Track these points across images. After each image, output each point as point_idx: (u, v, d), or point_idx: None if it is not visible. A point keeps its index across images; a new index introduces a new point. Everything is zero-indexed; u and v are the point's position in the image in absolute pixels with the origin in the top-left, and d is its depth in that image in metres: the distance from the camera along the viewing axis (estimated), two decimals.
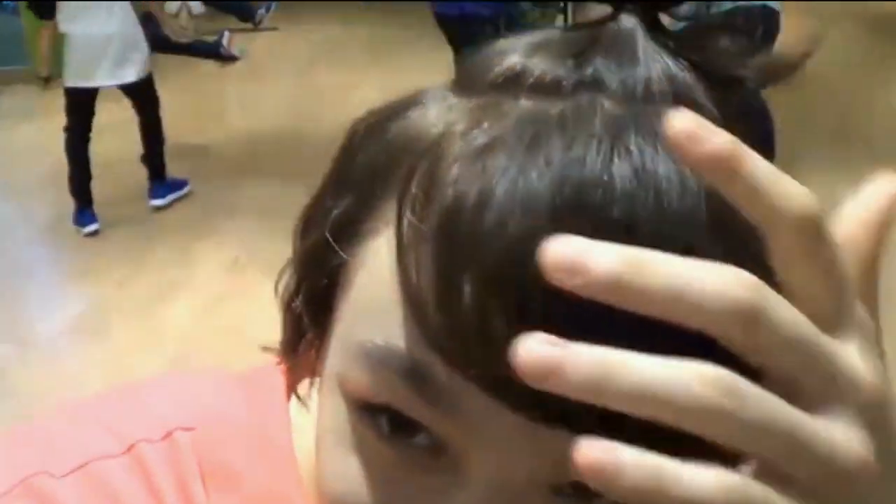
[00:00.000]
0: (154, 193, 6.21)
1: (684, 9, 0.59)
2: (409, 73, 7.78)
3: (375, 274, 0.53)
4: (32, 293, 5.29)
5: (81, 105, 6.09)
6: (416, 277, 0.49)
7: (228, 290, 5.03)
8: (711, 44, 0.59)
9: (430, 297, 0.48)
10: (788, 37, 5.02)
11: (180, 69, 8.59)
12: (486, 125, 0.51)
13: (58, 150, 6.91)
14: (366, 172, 0.57)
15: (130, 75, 6.18)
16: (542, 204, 0.47)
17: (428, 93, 0.59)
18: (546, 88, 0.54)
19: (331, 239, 0.57)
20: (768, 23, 4.82)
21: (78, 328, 4.83)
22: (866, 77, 7.69)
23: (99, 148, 6.85)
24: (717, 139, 0.38)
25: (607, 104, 0.52)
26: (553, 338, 0.36)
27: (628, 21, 0.57)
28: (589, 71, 0.55)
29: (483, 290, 0.47)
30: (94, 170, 6.38)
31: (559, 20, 6.14)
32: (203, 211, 5.87)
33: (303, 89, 7.68)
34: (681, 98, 0.54)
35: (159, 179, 6.26)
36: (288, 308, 0.63)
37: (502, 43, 0.58)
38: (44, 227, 5.90)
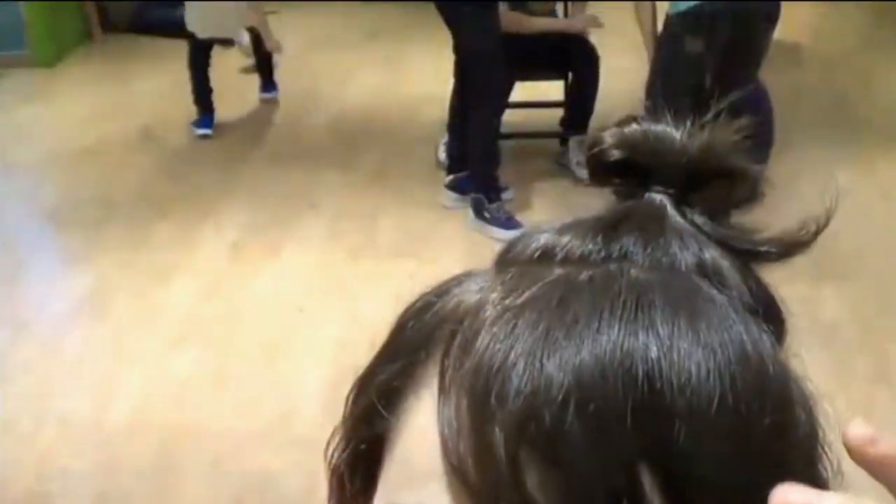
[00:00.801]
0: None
1: None
2: (408, 58, 7.83)
3: (418, 435, 0.56)
4: (32, 275, 5.31)
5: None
6: (454, 432, 0.52)
7: (228, 273, 5.05)
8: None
9: (467, 450, 0.51)
10: (789, 24, 5.04)
11: (177, 53, 8.58)
12: (518, 290, 0.55)
13: (58, 133, 6.93)
14: (413, 341, 0.59)
15: None
16: (566, 374, 0.51)
17: (470, 272, 0.62)
18: (576, 261, 0.59)
19: (378, 403, 0.60)
20: (769, 9, 4.83)
21: (78, 309, 4.84)
22: (865, 57, 7.68)
23: (99, 131, 6.87)
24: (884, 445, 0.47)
25: (634, 271, 0.56)
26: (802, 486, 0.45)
27: (656, 198, 0.62)
28: (617, 247, 0.59)
29: (512, 442, 0.50)
30: (90, 154, 6.40)
31: (558, 6, 6.14)
32: (203, 193, 5.88)
33: (302, 73, 7.67)
34: (707, 275, 0.59)
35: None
36: (334, 470, 0.66)
37: (536, 226, 0.64)
38: (44, 209, 5.90)
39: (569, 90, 5.99)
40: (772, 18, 4.77)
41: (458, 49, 5.43)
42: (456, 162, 5.56)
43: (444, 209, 5.47)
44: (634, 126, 0.64)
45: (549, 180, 5.85)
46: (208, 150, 6.52)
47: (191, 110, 6.70)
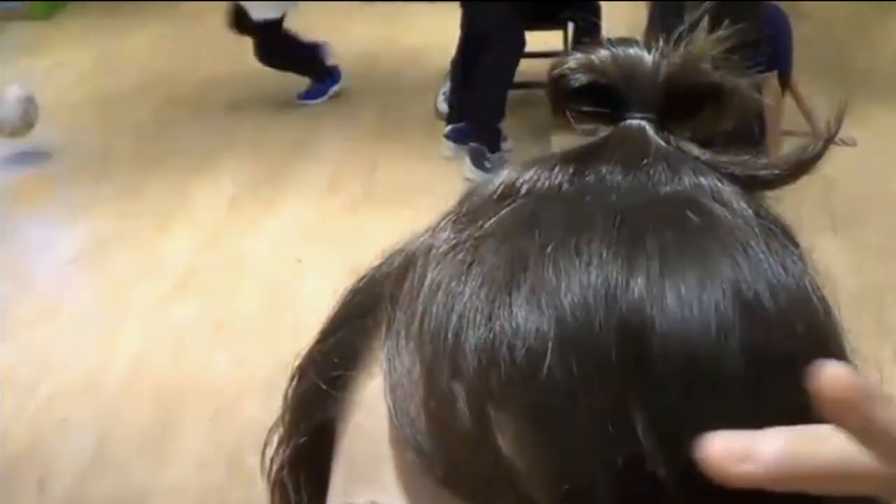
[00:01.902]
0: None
1: None
2: (407, 9, 7.77)
3: (366, 414, 0.49)
4: (31, 227, 5.30)
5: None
6: (405, 396, 0.44)
7: (227, 224, 5.04)
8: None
9: (420, 415, 0.44)
10: None
11: (172, 5, 8.53)
12: (476, 223, 0.48)
13: (58, 85, 6.90)
14: (356, 309, 0.53)
15: None
16: (534, 336, 0.43)
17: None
18: (544, 192, 0.51)
19: (320, 384, 0.53)
20: None
21: (77, 262, 4.84)
22: (865, 9, 7.64)
23: (96, 83, 6.84)
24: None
25: (613, 196, 0.49)
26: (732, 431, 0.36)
27: (633, 124, 0.54)
28: (591, 175, 0.51)
29: (477, 395, 0.43)
30: (88, 106, 6.38)
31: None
32: (201, 145, 5.86)
33: (301, 24, 7.63)
34: (704, 198, 0.51)
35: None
36: (274, 483, 0.58)
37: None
38: (42, 161, 5.88)
39: (571, 39, 5.95)
40: None
41: (477, 28, 5.41)
42: (456, 111, 5.53)
43: (443, 159, 5.46)
44: (600, 49, 0.57)
45: (549, 131, 5.83)
46: (205, 101, 6.50)
47: (187, 60, 6.66)
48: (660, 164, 0.51)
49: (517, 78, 6.09)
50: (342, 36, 7.42)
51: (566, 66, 0.58)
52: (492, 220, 0.48)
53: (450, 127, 5.53)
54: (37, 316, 4.42)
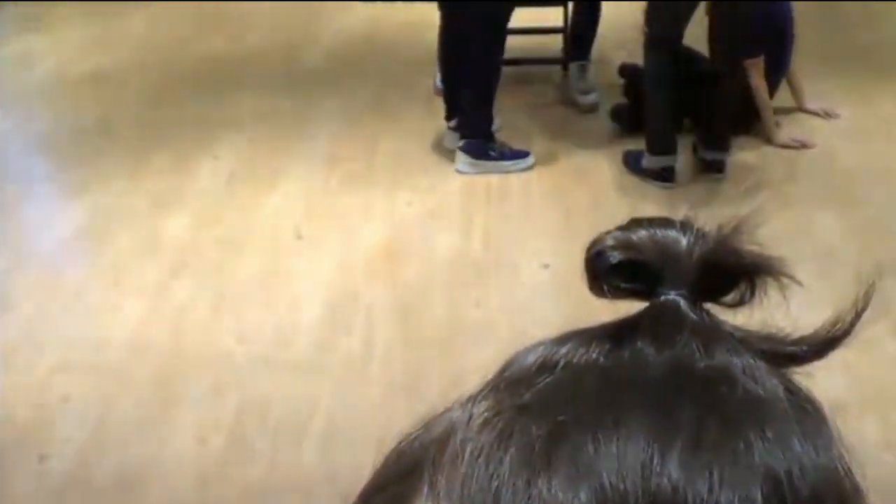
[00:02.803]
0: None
1: None
2: None
3: None
4: (32, 204, 5.30)
5: None
6: None
7: (227, 200, 5.04)
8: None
9: None
10: None
11: None
12: (516, 394, 0.50)
13: (56, 62, 6.89)
14: (399, 471, 0.54)
15: None
16: None
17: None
18: (580, 368, 0.52)
19: None
20: None
21: (77, 238, 4.84)
22: None
23: (97, 60, 6.83)
24: None
25: (653, 370, 0.50)
26: None
27: (669, 298, 0.55)
28: (626, 352, 0.52)
29: None
30: (87, 83, 6.37)
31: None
32: (201, 122, 5.85)
33: (299, 2, 7.62)
34: (737, 375, 0.51)
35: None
36: None
37: (530, 344, 0.56)
38: (43, 138, 5.88)
39: (572, 15, 5.93)
40: None
41: (459, 25, 5.25)
42: (454, 108, 5.42)
43: (441, 135, 5.43)
44: (638, 228, 0.58)
45: (550, 108, 5.83)
46: (205, 79, 6.49)
47: (187, 38, 6.64)
48: (694, 341, 0.52)
49: (515, 54, 6.09)
50: (343, 10, 7.41)
51: (605, 244, 0.59)
52: (531, 393, 0.49)
53: (454, 121, 5.39)
54: (37, 292, 4.42)
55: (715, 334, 0.54)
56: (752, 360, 0.53)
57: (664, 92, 4.88)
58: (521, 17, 5.89)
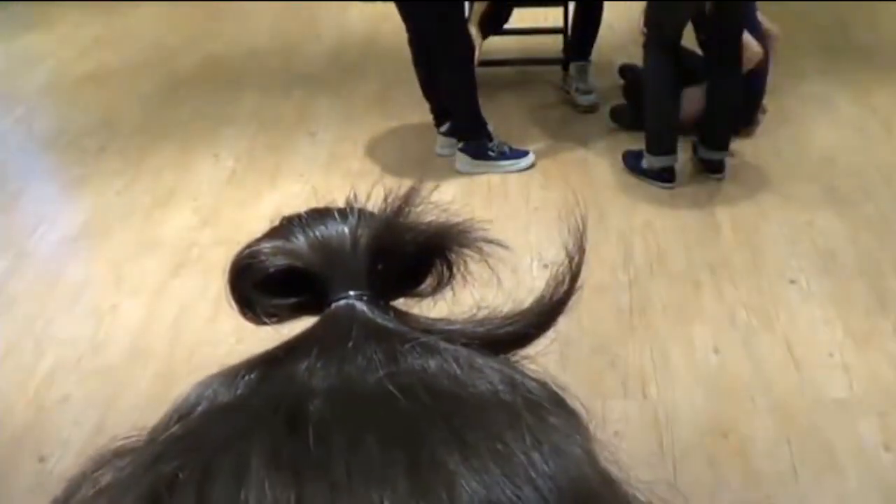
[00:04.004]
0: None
1: None
2: None
3: None
4: (33, 201, 5.30)
5: None
6: None
7: (228, 199, 5.04)
8: None
9: None
10: None
11: None
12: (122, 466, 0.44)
13: (58, 60, 6.89)
14: None
15: None
16: None
17: None
18: (214, 409, 0.45)
19: None
20: None
21: (78, 236, 4.84)
22: None
23: (99, 58, 6.83)
24: None
25: (313, 403, 0.42)
26: None
27: (342, 305, 0.47)
28: (276, 379, 0.45)
29: None
30: (89, 82, 6.38)
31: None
32: (202, 120, 5.86)
33: (300, 2, 7.62)
34: (428, 380, 0.43)
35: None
36: None
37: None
38: (45, 136, 5.88)
39: (574, 16, 5.92)
40: None
41: (415, 24, 5.17)
42: (441, 113, 5.39)
43: (441, 135, 5.43)
44: (290, 228, 0.51)
45: (550, 108, 5.83)
46: (206, 78, 6.49)
47: (187, 37, 6.64)
48: (369, 348, 0.44)
49: (515, 54, 6.09)
50: (343, 9, 7.41)
51: (251, 258, 0.51)
52: (159, 442, 0.44)
53: (446, 125, 5.38)
54: (37, 291, 4.42)
55: (400, 335, 0.46)
56: (454, 357, 0.44)
57: (664, 92, 4.88)
58: (521, 17, 5.90)
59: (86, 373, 3.91)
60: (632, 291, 4.08)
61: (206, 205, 4.99)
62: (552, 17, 6.12)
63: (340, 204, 0.50)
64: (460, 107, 5.15)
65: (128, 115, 6.05)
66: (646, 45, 4.92)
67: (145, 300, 4.32)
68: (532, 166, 5.15)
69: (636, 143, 5.04)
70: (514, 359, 0.48)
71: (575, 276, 0.52)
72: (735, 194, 4.81)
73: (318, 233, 0.51)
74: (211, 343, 4.02)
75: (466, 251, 0.50)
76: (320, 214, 0.52)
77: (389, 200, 0.51)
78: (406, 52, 5.32)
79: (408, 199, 0.50)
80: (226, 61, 6.74)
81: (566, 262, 0.53)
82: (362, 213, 0.51)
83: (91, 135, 5.80)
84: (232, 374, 0.48)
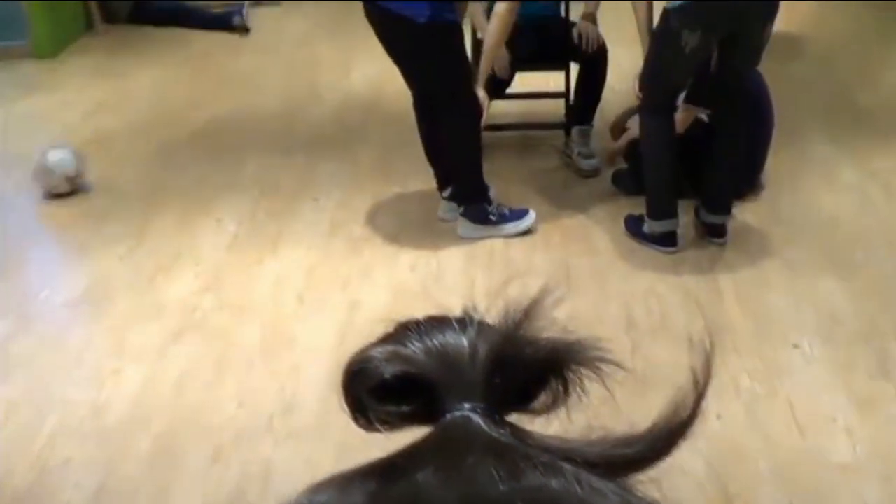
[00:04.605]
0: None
1: None
2: None
3: None
4: (33, 266, 5.31)
5: None
6: None
7: (229, 264, 5.04)
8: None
9: None
10: (789, 15, 4.99)
11: (178, 44, 8.59)
12: None
13: (59, 124, 6.92)
14: None
15: None
16: None
17: None
18: None
19: None
20: (769, 7, 4.80)
21: (79, 300, 4.84)
22: (866, 48, 7.69)
23: (100, 122, 6.88)
24: None
25: None
26: None
27: (458, 417, 0.47)
28: (398, 490, 0.44)
29: None
30: (92, 145, 6.40)
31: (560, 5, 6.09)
32: (204, 184, 5.88)
33: (303, 64, 7.68)
34: (552, 496, 0.43)
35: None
36: None
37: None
38: (45, 200, 5.89)
39: (577, 81, 5.95)
40: (771, 14, 4.73)
41: (421, 86, 5.17)
42: (444, 178, 5.39)
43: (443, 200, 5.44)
44: (407, 335, 0.50)
45: (552, 172, 5.85)
46: (209, 142, 6.52)
47: (190, 100, 6.67)
48: (490, 463, 0.44)
49: (518, 119, 6.12)
50: (347, 73, 7.46)
51: (367, 362, 0.50)
52: None
53: (449, 189, 5.37)
54: (39, 355, 4.41)
55: (519, 451, 0.45)
56: (575, 476, 0.44)
57: (662, 156, 4.88)
58: (523, 81, 5.93)
59: (87, 436, 3.90)
60: (634, 357, 4.07)
61: (208, 270, 4.99)
62: (554, 81, 6.15)
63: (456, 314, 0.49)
64: (464, 170, 5.15)
65: (130, 179, 6.07)
66: (641, 110, 4.95)
67: (147, 364, 4.31)
68: (533, 224, 5.15)
69: (638, 207, 5.05)
70: (626, 481, 0.48)
71: (699, 400, 0.52)
72: (737, 259, 4.81)
73: (435, 341, 0.49)
74: (212, 408, 4.01)
75: (584, 370, 0.50)
76: (438, 322, 0.50)
77: (510, 313, 0.50)
78: (408, 116, 5.34)
79: (528, 313, 0.50)
80: (228, 125, 6.77)
81: (690, 385, 0.53)
82: (481, 325, 0.50)
83: (93, 198, 5.82)
84: (346, 482, 0.47)
